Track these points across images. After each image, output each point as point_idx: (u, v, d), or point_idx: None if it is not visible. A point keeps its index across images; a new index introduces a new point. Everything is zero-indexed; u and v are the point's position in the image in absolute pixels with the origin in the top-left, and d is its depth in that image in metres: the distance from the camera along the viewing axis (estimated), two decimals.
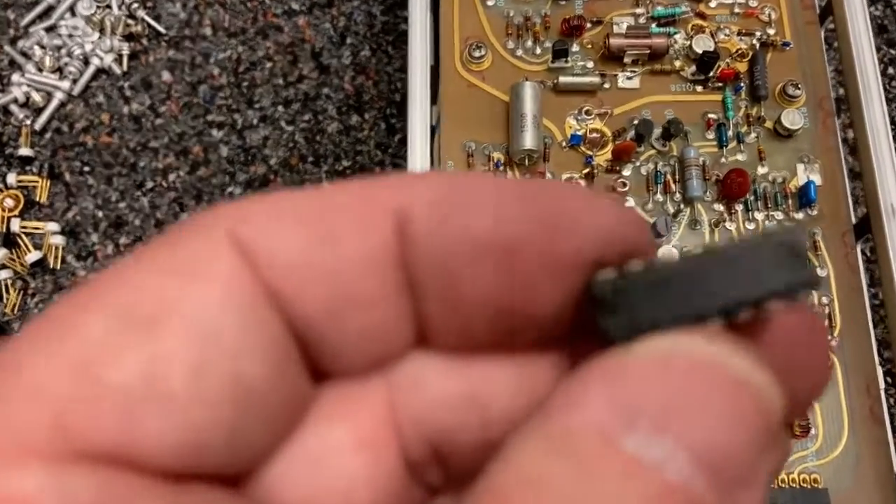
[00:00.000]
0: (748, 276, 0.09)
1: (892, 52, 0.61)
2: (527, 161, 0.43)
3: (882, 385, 0.41)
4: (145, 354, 0.08)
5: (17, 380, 0.08)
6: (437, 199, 0.10)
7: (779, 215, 0.42)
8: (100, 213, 0.57)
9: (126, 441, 0.08)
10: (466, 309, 0.10)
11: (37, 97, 0.59)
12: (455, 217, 0.10)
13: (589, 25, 0.46)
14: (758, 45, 0.46)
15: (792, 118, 0.43)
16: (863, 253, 0.46)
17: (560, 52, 0.44)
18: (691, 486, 0.08)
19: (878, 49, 0.60)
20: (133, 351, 0.08)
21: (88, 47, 0.61)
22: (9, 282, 0.55)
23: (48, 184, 0.58)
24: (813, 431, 0.38)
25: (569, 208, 0.10)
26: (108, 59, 0.60)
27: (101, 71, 0.61)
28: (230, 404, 0.09)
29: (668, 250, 0.41)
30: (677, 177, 0.43)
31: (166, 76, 0.61)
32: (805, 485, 0.38)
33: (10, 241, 0.56)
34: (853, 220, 0.43)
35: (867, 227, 0.42)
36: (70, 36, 0.61)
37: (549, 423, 0.09)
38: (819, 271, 0.41)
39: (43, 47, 0.61)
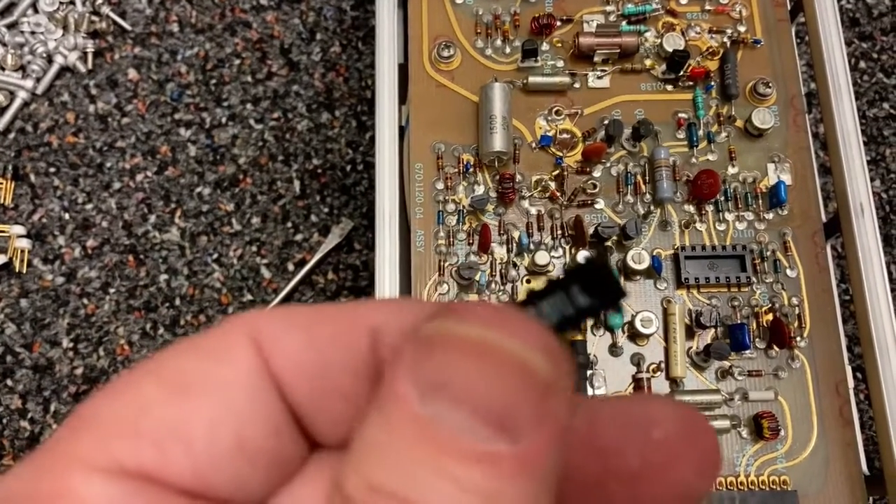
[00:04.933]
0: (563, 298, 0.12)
1: (864, 45, 0.61)
2: (496, 163, 0.42)
3: (851, 384, 0.41)
4: (176, 410, 0.12)
5: (89, 424, 0.12)
6: (401, 327, 0.13)
7: (749, 216, 0.42)
8: (66, 215, 0.56)
9: (156, 466, 0.12)
10: None
11: None
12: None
13: (559, 24, 0.45)
14: (728, 43, 0.45)
15: (763, 117, 0.43)
16: (833, 249, 0.46)
17: (530, 52, 0.44)
18: (468, 431, 0.11)
19: (850, 43, 0.60)
20: (168, 407, 0.12)
21: (52, 45, 0.59)
22: None
23: (12, 185, 0.57)
24: (782, 433, 0.38)
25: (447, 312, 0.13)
26: (73, 57, 0.59)
27: (65, 69, 0.60)
28: (234, 452, 0.12)
29: (636, 252, 0.40)
30: (647, 178, 0.43)
31: (132, 74, 0.60)
32: (774, 486, 0.38)
33: None
34: (823, 218, 0.43)
35: (837, 226, 0.42)
36: (32, 33, 0.60)
37: (376, 401, 0.12)
38: (789, 272, 0.41)
39: (4, 45, 0.60)
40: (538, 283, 0.41)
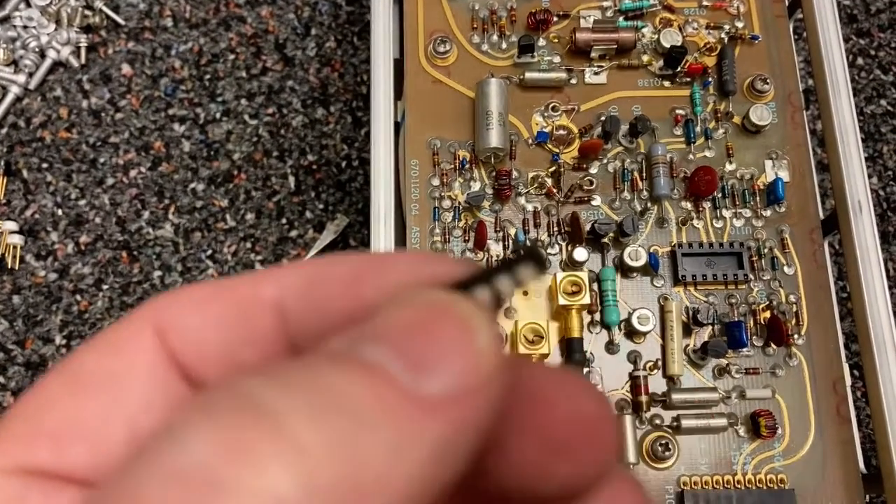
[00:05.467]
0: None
1: (862, 42, 0.60)
2: (493, 159, 0.42)
3: (849, 382, 0.40)
4: (74, 406, 0.12)
5: (1, 427, 0.12)
6: (303, 290, 0.12)
7: (747, 213, 0.42)
8: (59, 211, 0.56)
9: (53, 462, 0.12)
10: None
11: None
12: (315, 304, 0.12)
13: (555, 19, 0.45)
14: (726, 39, 0.45)
15: (760, 113, 0.43)
16: (830, 246, 0.46)
17: (526, 48, 0.43)
18: (381, 363, 0.10)
19: (848, 39, 0.60)
20: (68, 404, 0.12)
21: (44, 39, 0.59)
22: None
23: (5, 181, 0.56)
24: (780, 432, 0.38)
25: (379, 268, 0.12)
26: (66, 52, 0.59)
27: (58, 64, 0.59)
28: (129, 442, 0.12)
29: (633, 250, 0.40)
30: (644, 174, 0.42)
31: (126, 69, 0.59)
32: (772, 485, 0.38)
33: None
34: (821, 216, 0.43)
35: (835, 223, 0.42)
36: (25, 27, 0.60)
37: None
38: (787, 269, 0.41)
39: None
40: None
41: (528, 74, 0.43)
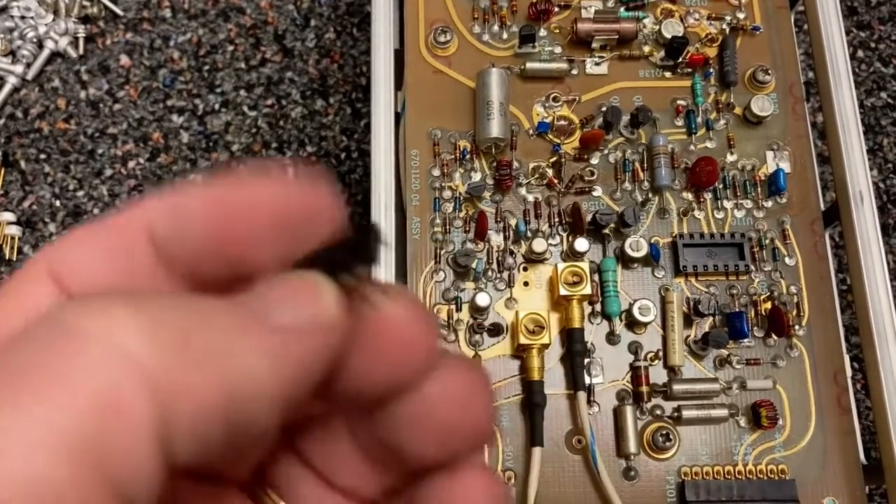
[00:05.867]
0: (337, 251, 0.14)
1: (862, 34, 0.60)
2: (493, 150, 0.42)
3: (849, 373, 0.40)
4: None
5: None
6: (169, 219, 0.14)
7: (748, 204, 0.42)
8: (57, 202, 0.56)
9: None
10: (205, 277, 0.14)
11: None
12: (180, 226, 0.14)
13: (557, 9, 0.45)
14: (728, 30, 0.45)
15: (761, 104, 0.43)
16: (831, 238, 0.46)
17: (527, 38, 0.43)
18: (245, 300, 0.13)
19: (848, 32, 0.60)
20: None
21: (42, 30, 0.59)
22: None
23: (2, 172, 0.56)
24: (780, 422, 0.38)
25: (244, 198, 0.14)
26: (64, 43, 0.58)
27: (56, 54, 0.59)
28: None
29: (635, 240, 0.40)
30: (645, 165, 0.42)
31: (124, 60, 0.59)
32: (772, 475, 0.38)
33: None
34: (822, 207, 0.43)
35: (836, 215, 0.42)
36: (23, 18, 0.59)
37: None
38: (788, 260, 0.41)
39: None
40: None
41: (528, 65, 0.43)
